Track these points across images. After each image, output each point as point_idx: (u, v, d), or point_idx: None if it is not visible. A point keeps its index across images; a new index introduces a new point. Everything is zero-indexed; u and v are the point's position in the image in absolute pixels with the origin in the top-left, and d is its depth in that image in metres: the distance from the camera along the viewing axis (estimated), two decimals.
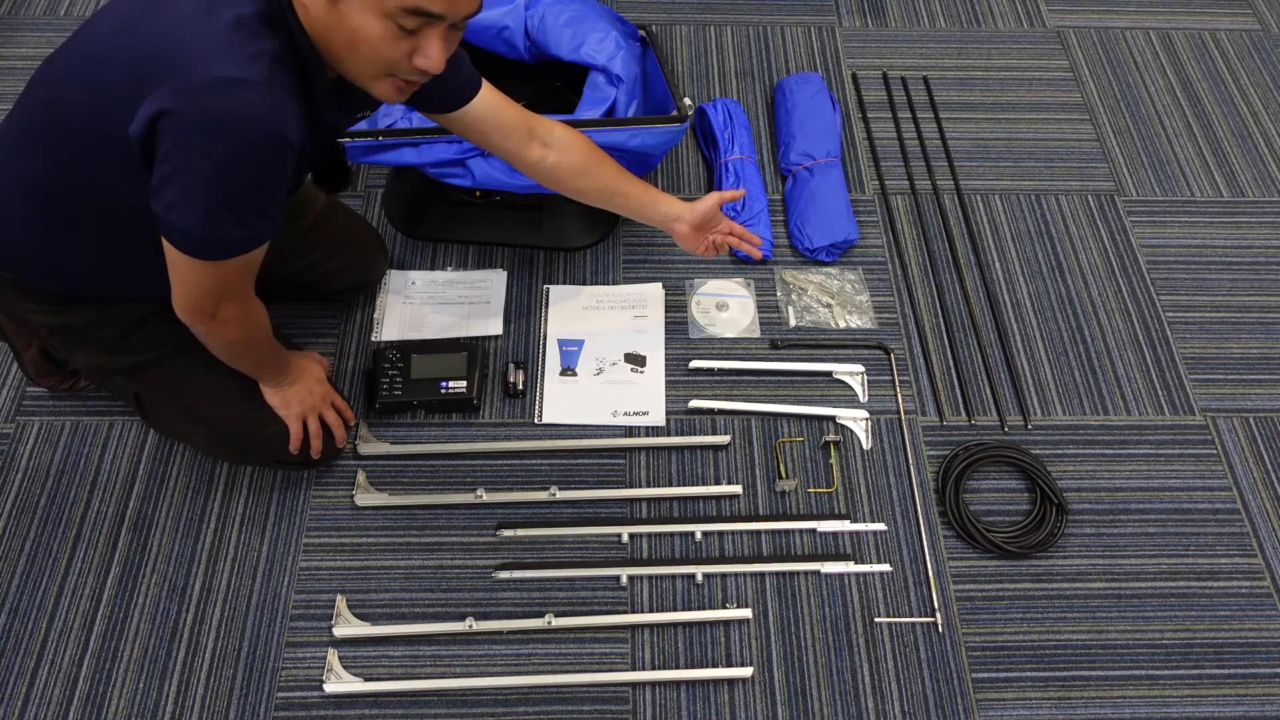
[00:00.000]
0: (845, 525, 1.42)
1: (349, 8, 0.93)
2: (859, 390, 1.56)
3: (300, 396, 1.33)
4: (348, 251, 1.54)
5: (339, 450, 1.42)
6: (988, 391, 1.57)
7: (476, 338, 1.59)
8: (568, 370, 1.57)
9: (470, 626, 1.31)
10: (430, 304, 1.63)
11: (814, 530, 1.42)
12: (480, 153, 1.46)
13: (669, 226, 1.42)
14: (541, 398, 1.54)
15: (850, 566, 1.38)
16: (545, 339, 1.60)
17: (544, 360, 1.58)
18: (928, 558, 1.40)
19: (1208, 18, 2.15)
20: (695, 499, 1.45)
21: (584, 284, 1.68)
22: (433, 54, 0.97)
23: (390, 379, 1.49)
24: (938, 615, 1.35)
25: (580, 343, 1.60)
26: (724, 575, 1.38)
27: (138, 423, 1.48)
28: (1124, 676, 1.32)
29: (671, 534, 1.41)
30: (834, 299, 1.66)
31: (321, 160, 1.21)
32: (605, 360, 1.58)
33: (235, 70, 0.90)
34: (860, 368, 1.58)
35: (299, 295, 1.56)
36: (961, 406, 1.56)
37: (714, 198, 1.41)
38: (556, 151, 1.31)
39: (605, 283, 1.68)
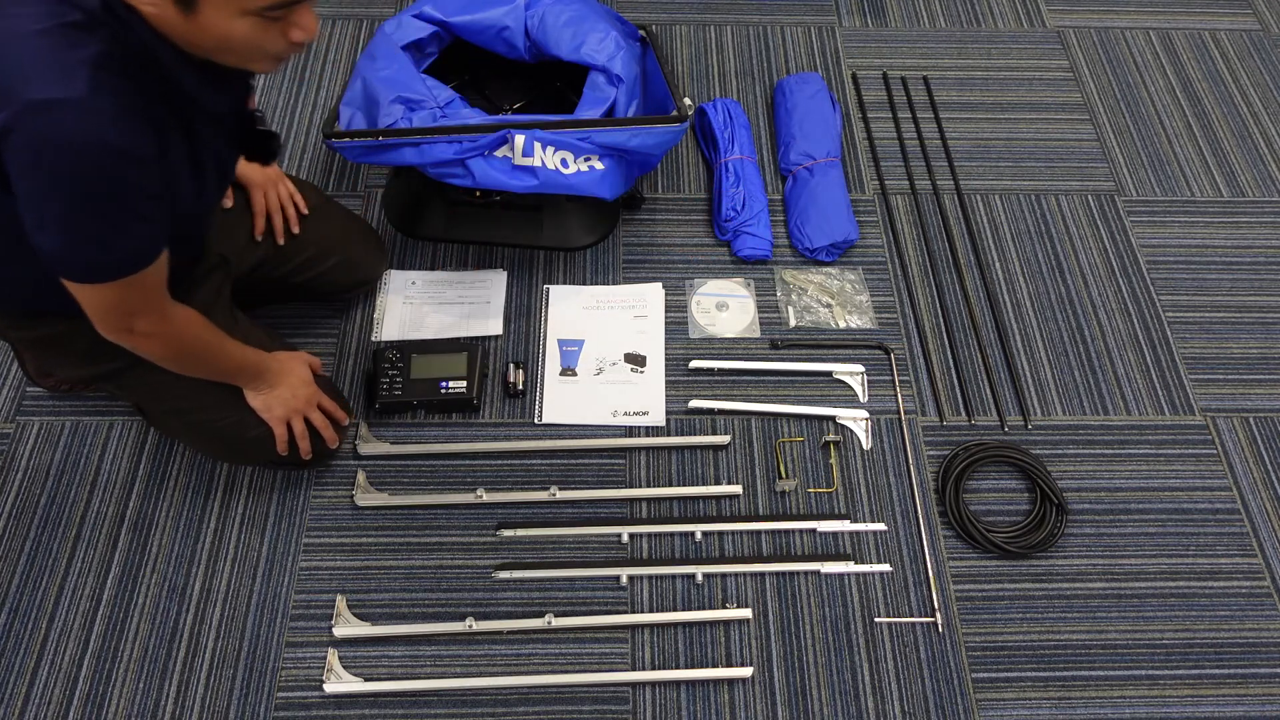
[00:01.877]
0: (845, 525, 1.42)
1: (208, 19, 0.88)
2: (859, 390, 1.56)
3: (283, 399, 1.29)
4: (342, 251, 1.52)
5: (333, 450, 1.41)
6: (988, 391, 1.57)
7: (476, 338, 1.59)
8: (568, 370, 1.57)
9: (470, 626, 1.31)
10: (430, 304, 1.63)
11: (814, 530, 1.42)
12: (480, 153, 1.45)
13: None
14: (541, 398, 1.54)
15: (850, 566, 1.38)
16: (545, 339, 1.60)
17: (544, 360, 1.58)
18: (928, 558, 1.40)
19: (1208, 18, 2.15)
20: (695, 499, 1.45)
21: (584, 284, 1.68)
22: (307, 24, 0.94)
23: (390, 379, 1.49)
24: (938, 615, 1.35)
25: (580, 343, 1.60)
26: (724, 575, 1.38)
27: (138, 423, 1.48)
28: (1124, 676, 1.32)
29: (671, 534, 1.41)
30: (834, 299, 1.66)
31: (242, 138, 1.16)
32: (605, 360, 1.58)
33: (50, 90, 0.84)
34: (860, 368, 1.58)
35: (297, 295, 1.56)
36: (961, 406, 1.56)
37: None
38: None
39: (605, 283, 1.68)
